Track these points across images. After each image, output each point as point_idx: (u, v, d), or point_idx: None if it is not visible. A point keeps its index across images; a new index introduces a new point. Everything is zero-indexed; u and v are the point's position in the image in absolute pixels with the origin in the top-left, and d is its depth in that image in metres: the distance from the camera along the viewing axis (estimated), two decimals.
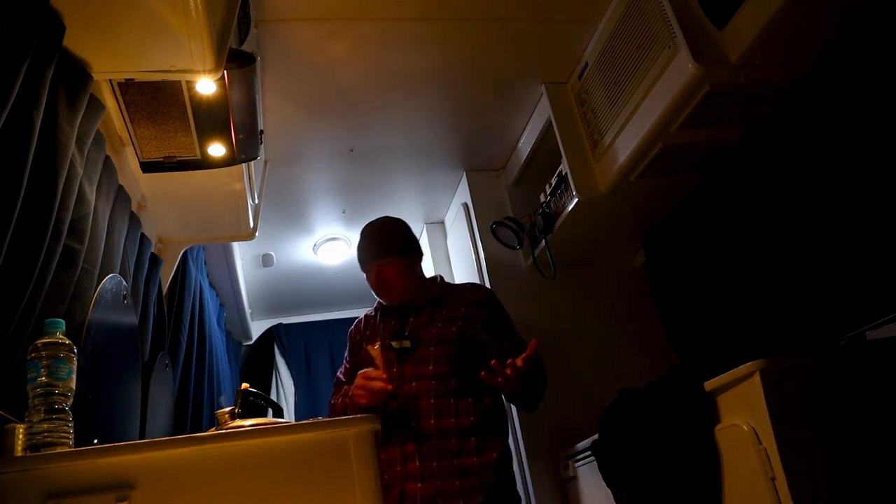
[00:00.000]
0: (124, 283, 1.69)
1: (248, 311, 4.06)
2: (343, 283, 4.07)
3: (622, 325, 2.95)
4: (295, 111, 2.67)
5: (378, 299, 2.16)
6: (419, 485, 1.85)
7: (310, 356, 4.37)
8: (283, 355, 4.44)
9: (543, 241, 2.84)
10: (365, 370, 1.89)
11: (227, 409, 1.42)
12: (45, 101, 1.21)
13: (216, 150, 1.83)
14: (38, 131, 1.17)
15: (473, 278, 3.14)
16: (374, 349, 1.89)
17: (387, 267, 2.06)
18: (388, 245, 2.09)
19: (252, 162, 2.21)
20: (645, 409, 1.82)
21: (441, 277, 2.22)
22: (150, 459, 1.00)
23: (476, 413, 1.94)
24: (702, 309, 2.53)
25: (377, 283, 2.08)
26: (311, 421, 1.12)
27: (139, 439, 1.69)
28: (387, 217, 2.22)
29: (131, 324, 1.76)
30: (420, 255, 2.16)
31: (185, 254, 2.54)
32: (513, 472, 2.00)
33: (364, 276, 2.13)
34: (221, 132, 1.78)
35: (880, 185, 1.80)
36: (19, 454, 1.00)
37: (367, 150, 2.99)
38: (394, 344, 1.98)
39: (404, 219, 2.24)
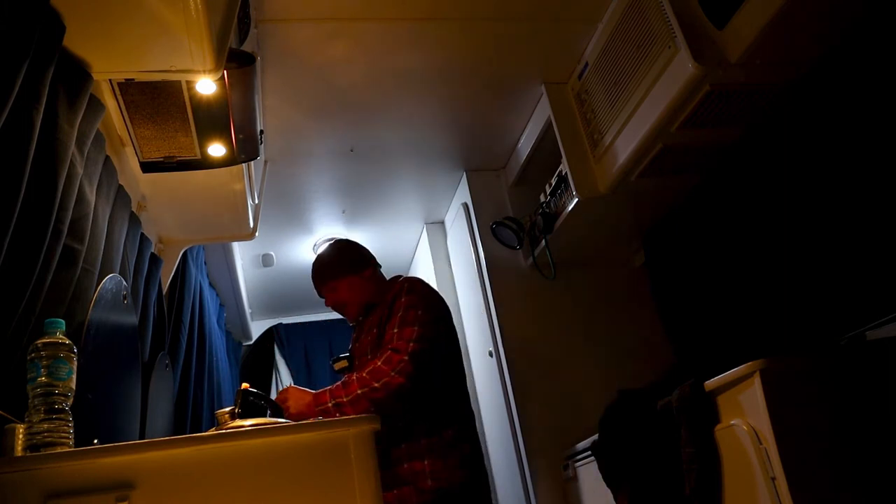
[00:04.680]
0: (124, 283, 1.69)
1: (248, 311, 4.06)
2: None
3: (622, 325, 2.95)
4: (295, 111, 2.67)
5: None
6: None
7: (310, 356, 4.37)
8: (283, 355, 4.44)
9: (543, 241, 2.84)
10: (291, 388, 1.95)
11: (227, 409, 1.42)
12: (45, 101, 1.21)
13: (216, 150, 1.83)
14: (38, 131, 1.17)
15: (473, 278, 3.14)
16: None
17: (332, 292, 2.19)
18: (325, 271, 2.21)
19: (252, 162, 2.21)
20: (645, 409, 1.82)
21: (376, 271, 2.26)
22: (150, 459, 1.00)
23: (413, 421, 1.92)
24: (702, 309, 2.53)
25: (334, 308, 2.22)
26: (311, 421, 1.12)
27: (139, 439, 1.69)
28: (331, 243, 2.37)
29: (131, 324, 1.76)
30: (363, 267, 2.22)
31: (185, 254, 2.54)
32: (468, 472, 1.93)
33: None
34: (221, 132, 1.78)
35: (880, 185, 1.80)
36: (19, 454, 1.00)
37: (367, 150, 2.99)
38: (334, 367, 2.11)
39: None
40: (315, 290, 2.25)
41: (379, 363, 1.86)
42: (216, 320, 3.43)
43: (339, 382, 1.87)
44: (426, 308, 2.01)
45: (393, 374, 1.82)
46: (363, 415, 1.71)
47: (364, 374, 1.84)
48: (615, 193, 2.53)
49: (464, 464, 1.91)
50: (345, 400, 1.81)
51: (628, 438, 1.87)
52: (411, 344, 1.87)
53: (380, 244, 3.77)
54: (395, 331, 1.94)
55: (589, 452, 2.31)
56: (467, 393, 2.11)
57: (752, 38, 1.87)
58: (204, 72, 1.43)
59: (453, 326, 2.15)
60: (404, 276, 2.23)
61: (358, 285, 2.18)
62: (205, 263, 3.23)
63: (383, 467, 1.80)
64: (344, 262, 2.23)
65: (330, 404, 1.82)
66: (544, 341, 2.92)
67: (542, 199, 2.83)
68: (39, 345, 1.04)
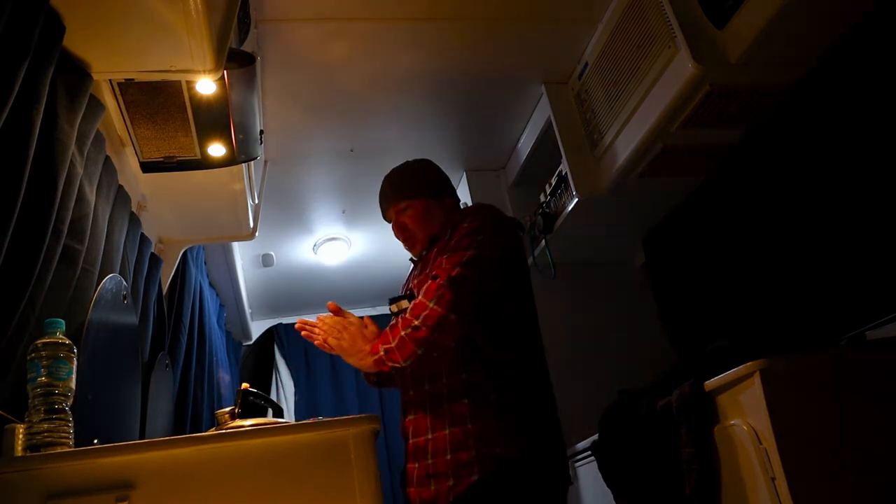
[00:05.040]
0: (124, 283, 1.69)
1: (248, 311, 4.06)
2: (343, 283, 4.07)
3: (622, 325, 2.95)
4: (295, 111, 2.67)
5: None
6: (414, 465, 1.62)
7: (310, 356, 4.36)
8: (283, 355, 4.44)
9: (543, 241, 2.84)
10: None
11: (227, 409, 1.42)
12: (45, 101, 1.21)
13: (216, 150, 1.83)
14: (38, 131, 1.17)
15: None
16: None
17: (402, 214, 1.82)
18: (400, 186, 1.85)
19: (252, 162, 2.21)
20: (645, 409, 1.81)
21: (456, 205, 1.89)
22: (150, 459, 1.00)
23: (471, 369, 1.60)
24: (702, 309, 2.53)
25: (399, 233, 1.84)
26: (311, 421, 1.12)
27: (139, 439, 1.69)
28: (409, 160, 1.95)
29: (131, 324, 1.76)
30: (445, 193, 1.86)
31: (185, 254, 2.54)
32: (544, 442, 1.61)
33: None
34: (221, 132, 1.78)
35: (880, 186, 1.80)
36: (19, 454, 1.00)
37: (367, 150, 2.99)
38: (392, 309, 1.70)
39: None
40: (381, 211, 1.89)
41: (420, 296, 1.58)
42: (216, 320, 3.43)
43: (389, 325, 1.63)
44: (489, 235, 1.65)
45: (431, 305, 1.54)
46: (411, 359, 1.54)
47: (407, 314, 1.58)
48: (615, 193, 2.53)
49: (539, 431, 1.61)
50: (392, 346, 1.56)
51: (628, 438, 1.87)
52: (456, 269, 1.56)
53: (380, 244, 3.78)
54: (446, 256, 1.62)
55: (589, 452, 2.30)
56: (541, 348, 1.80)
57: (752, 38, 1.87)
58: (204, 72, 1.44)
59: (526, 269, 1.79)
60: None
61: (434, 212, 1.81)
62: (205, 263, 3.23)
63: (439, 428, 1.58)
64: (423, 181, 1.86)
65: (381, 353, 1.58)
66: (544, 341, 2.91)
67: (542, 199, 2.83)
68: (39, 345, 1.04)
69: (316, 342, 1.71)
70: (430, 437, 1.59)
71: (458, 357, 1.60)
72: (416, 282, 1.73)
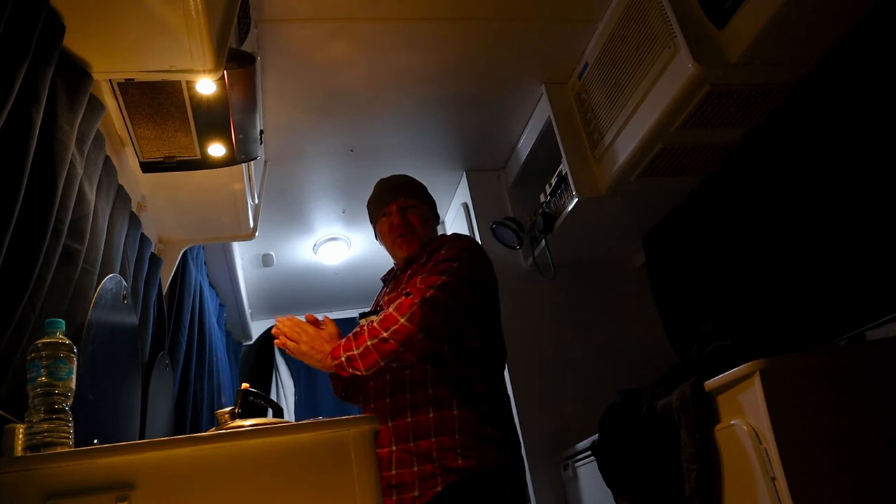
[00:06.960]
0: (124, 283, 1.69)
1: (248, 311, 4.06)
2: (343, 283, 4.07)
3: (622, 325, 2.95)
4: (295, 111, 2.67)
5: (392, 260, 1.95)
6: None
7: None
8: (283, 355, 4.44)
9: (543, 241, 2.84)
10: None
11: (227, 409, 1.42)
12: (44, 101, 1.21)
13: (216, 150, 1.83)
14: (38, 131, 1.17)
15: None
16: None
17: (411, 210, 1.85)
18: (415, 188, 1.91)
19: (252, 162, 2.21)
20: (645, 410, 1.82)
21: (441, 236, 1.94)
22: (150, 459, 1.00)
23: (436, 384, 1.65)
24: (702, 309, 2.53)
25: (399, 225, 1.83)
26: (311, 421, 1.12)
27: (139, 439, 1.69)
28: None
29: (131, 324, 1.76)
30: (437, 218, 1.97)
31: (185, 254, 2.54)
32: (504, 454, 1.65)
33: (376, 237, 1.96)
34: (221, 132, 1.78)
35: (880, 186, 1.80)
36: (19, 454, 1.00)
37: (366, 150, 3.00)
38: (362, 323, 1.72)
39: None
40: (382, 199, 1.90)
41: (390, 310, 1.61)
42: (216, 320, 3.42)
43: (352, 332, 1.66)
44: (465, 264, 1.70)
45: (402, 320, 1.57)
46: (373, 369, 1.58)
47: (375, 324, 1.61)
48: (615, 193, 2.53)
49: (499, 444, 1.64)
50: (355, 353, 1.59)
51: (628, 438, 1.87)
52: (430, 290, 1.60)
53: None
54: (420, 277, 1.67)
55: (589, 452, 2.31)
56: (503, 368, 1.83)
57: (752, 38, 1.87)
58: (204, 72, 1.44)
59: (496, 297, 1.84)
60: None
61: (430, 226, 1.89)
62: (205, 263, 3.23)
63: (402, 441, 1.62)
64: (430, 197, 1.95)
65: (343, 359, 1.62)
66: (544, 341, 2.92)
67: (542, 199, 2.83)
68: (39, 345, 1.04)
69: (277, 343, 1.78)
70: (393, 448, 1.63)
71: (424, 372, 1.66)
72: (386, 299, 1.78)
